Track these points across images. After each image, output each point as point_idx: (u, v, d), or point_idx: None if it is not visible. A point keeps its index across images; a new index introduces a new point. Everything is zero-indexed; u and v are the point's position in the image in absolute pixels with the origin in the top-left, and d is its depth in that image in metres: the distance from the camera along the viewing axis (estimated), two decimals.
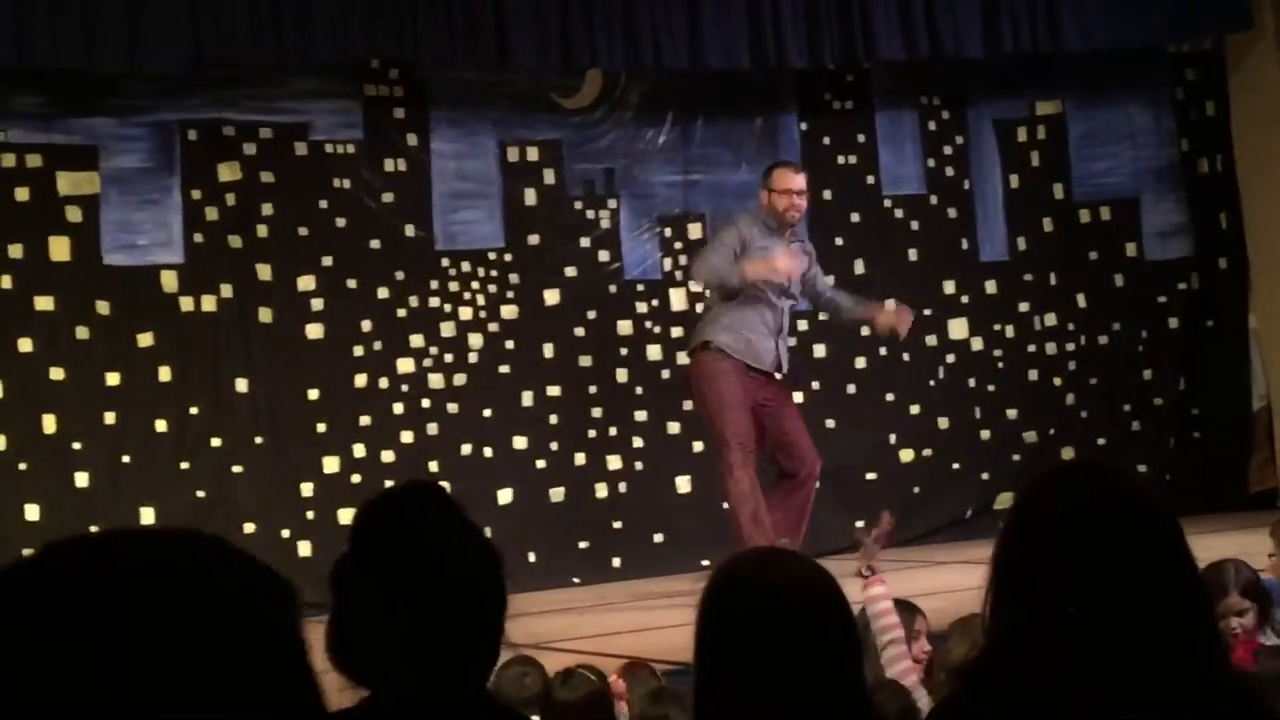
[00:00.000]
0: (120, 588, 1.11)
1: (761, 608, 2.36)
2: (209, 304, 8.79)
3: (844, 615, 2.42)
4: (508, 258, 9.34)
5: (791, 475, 8.19)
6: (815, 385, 9.83)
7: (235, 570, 1.15)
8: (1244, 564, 5.27)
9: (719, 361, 8.04)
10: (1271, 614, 5.24)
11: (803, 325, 9.84)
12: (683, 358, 9.43)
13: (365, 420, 8.98)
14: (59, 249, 8.56)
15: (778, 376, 8.22)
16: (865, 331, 9.92)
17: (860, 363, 9.94)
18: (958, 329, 10.17)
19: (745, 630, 2.35)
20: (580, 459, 9.18)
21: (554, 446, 9.29)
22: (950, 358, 10.14)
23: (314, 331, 8.94)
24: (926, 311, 10.05)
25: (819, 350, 9.88)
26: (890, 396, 9.97)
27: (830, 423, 9.82)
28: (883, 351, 9.99)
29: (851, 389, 9.91)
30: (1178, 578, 2.19)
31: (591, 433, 9.24)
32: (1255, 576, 5.23)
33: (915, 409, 10.03)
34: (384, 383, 9.04)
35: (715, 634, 2.39)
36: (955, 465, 9.85)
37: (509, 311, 9.31)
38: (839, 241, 9.97)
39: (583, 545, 9.17)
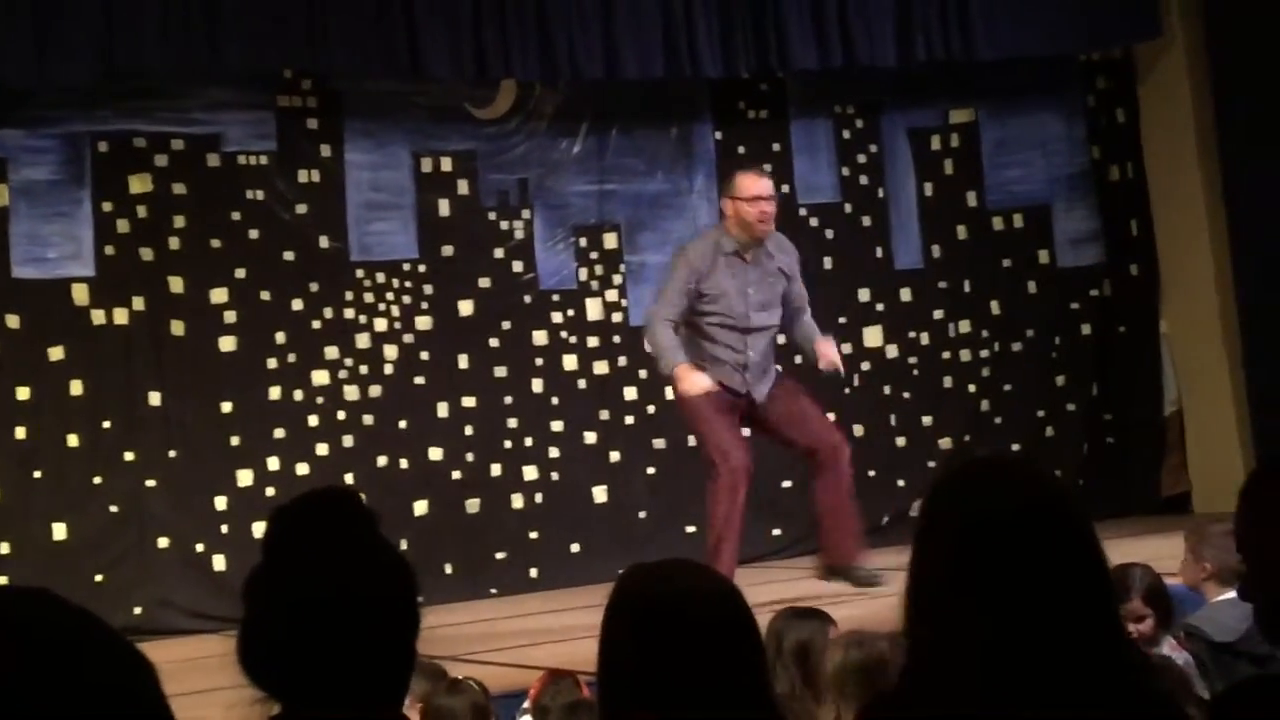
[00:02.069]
0: None
1: (661, 617, 2.37)
2: (121, 317, 8.71)
3: (745, 622, 2.43)
4: (422, 268, 9.30)
5: (812, 455, 7.87)
6: None
7: (91, 636, 1.11)
8: (1150, 570, 5.32)
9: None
10: (1171, 621, 5.29)
11: None
12: (600, 367, 9.45)
13: (279, 433, 8.93)
14: None
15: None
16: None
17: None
18: (872, 337, 10.22)
19: (646, 641, 2.36)
20: (496, 469, 9.16)
21: (470, 457, 9.26)
22: (865, 365, 10.18)
23: (227, 344, 8.88)
24: (841, 320, 10.11)
25: None
26: None
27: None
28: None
29: None
30: (1092, 575, 2.20)
31: (507, 443, 9.21)
32: (1159, 584, 5.28)
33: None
34: (298, 395, 8.98)
35: (616, 646, 2.40)
36: (871, 472, 9.87)
37: (424, 322, 9.28)
38: None
39: (499, 556, 9.15)
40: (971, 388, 10.41)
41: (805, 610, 5.20)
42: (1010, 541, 2.17)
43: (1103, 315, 10.65)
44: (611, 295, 9.67)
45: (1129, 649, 2.28)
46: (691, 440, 9.62)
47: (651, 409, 9.66)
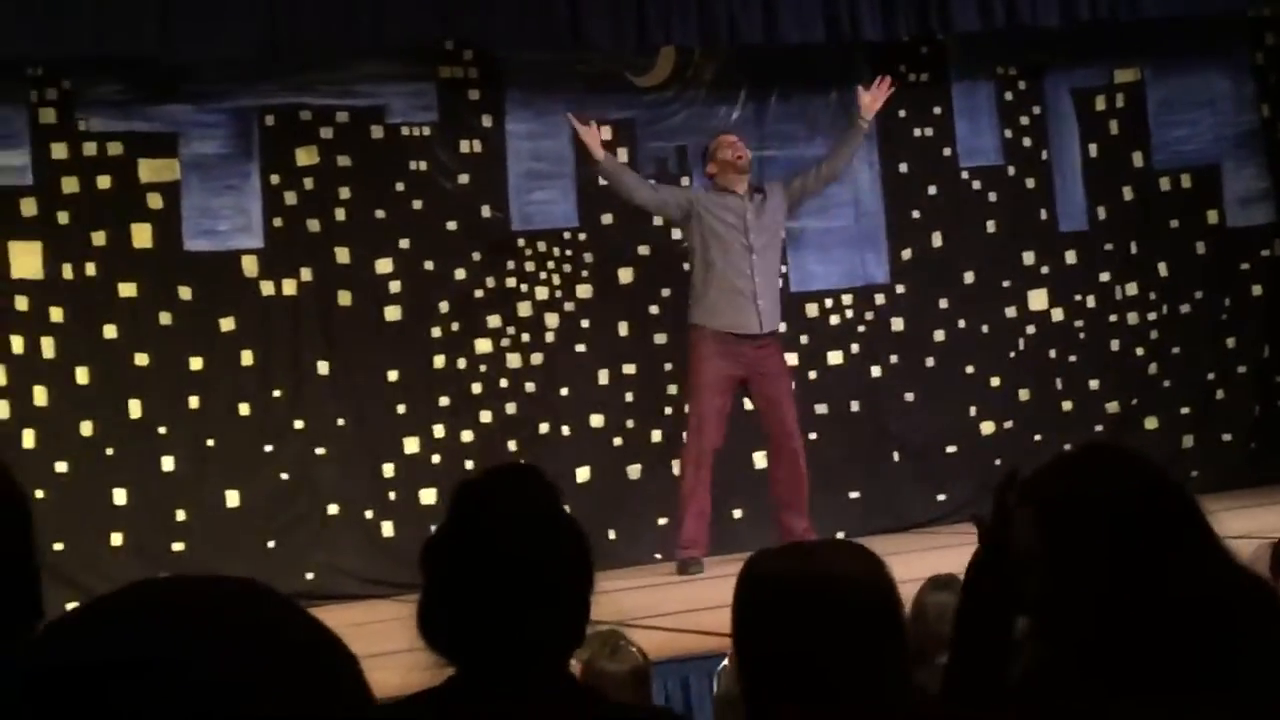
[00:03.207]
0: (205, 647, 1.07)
1: (798, 599, 2.37)
2: (289, 288, 8.85)
3: (881, 602, 2.41)
4: (582, 237, 9.35)
5: (773, 446, 8.61)
6: (893, 359, 9.81)
7: (305, 633, 1.13)
8: None
9: (701, 343, 8.49)
10: None
11: (879, 299, 9.82)
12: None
13: (444, 401, 9.03)
14: (141, 236, 8.64)
15: (779, 331, 8.69)
16: (943, 304, 9.91)
17: (939, 335, 9.90)
18: (1038, 300, 10.11)
19: (783, 625, 2.36)
20: (656, 436, 9.20)
21: (630, 424, 9.31)
22: (1030, 329, 10.08)
23: (392, 313, 8.99)
24: (1006, 283, 10.02)
25: (897, 324, 9.85)
26: (970, 369, 9.92)
27: (909, 396, 9.80)
28: (961, 324, 9.95)
29: (930, 362, 9.87)
30: (1208, 548, 2.19)
31: (668, 410, 9.24)
32: None
33: (995, 381, 9.98)
34: (462, 363, 9.08)
35: (750, 630, 2.41)
36: (1037, 437, 9.79)
37: (584, 291, 9.33)
38: (915, 215, 9.93)
39: (661, 522, 9.18)
40: (1139, 351, 10.26)
41: (946, 578, 5.23)
42: (1130, 523, 2.16)
43: (1273, 276, 10.44)
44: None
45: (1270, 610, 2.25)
46: (855, 406, 9.65)
47: (813, 374, 9.64)
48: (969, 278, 9.98)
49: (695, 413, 8.49)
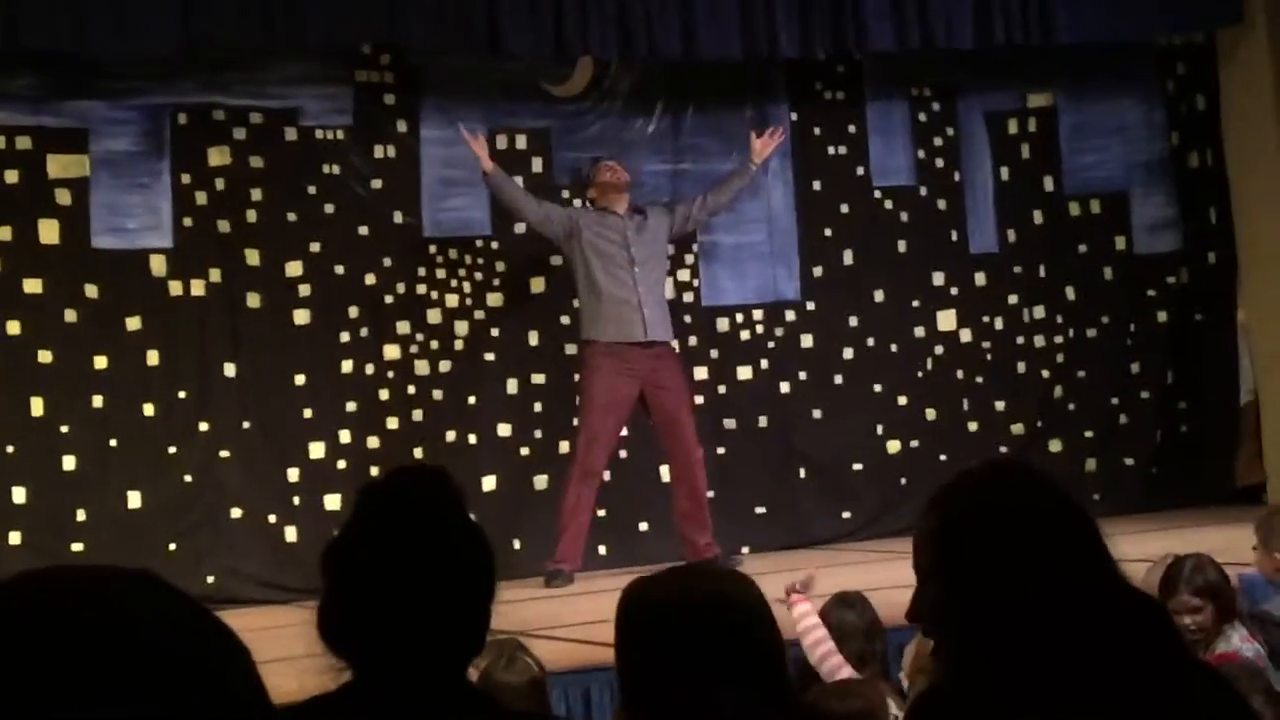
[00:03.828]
0: (73, 635, 1.05)
1: (671, 625, 2.40)
2: (197, 288, 8.78)
3: (752, 621, 2.45)
4: (495, 245, 9.34)
5: (673, 460, 8.64)
6: (802, 375, 9.85)
7: (192, 620, 1.11)
8: (1204, 562, 5.25)
9: (593, 358, 8.59)
10: (1234, 612, 5.22)
11: (790, 315, 9.85)
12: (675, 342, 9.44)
13: (351, 406, 8.99)
14: (48, 232, 8.55)
15: (671, 345, 8.78)
16: (853, 322, 9.96)
17: (848, 353, 9.95)
18: (946, 320, 10.18)
19: (658, 648, 2.39)
20: (564, 446, 9.18)
21: (538, 434, 9.29)
22: (939, 349, 10.14)
23: (301, 317, 8.94)
24: (915, 303, 10.08)
25: (806, 340, 9.88)
26: (878, 387, 9.97)
27: (817, 413, 9.84)
28: (870, 342, 10.00)
29: (839, 379, 9.91)
30: (1105, 569, 2.21)
31: (576, 420, 9.24)
32: (1215, 575, 5.20)
33: (903, 400, 10.04)
34: (370, 369, 9.04)
35: (633, 655, 2.43)
36: (942, 456, 9.84)
37: (495, 299, 9.32)
38: (828, 232, 9.97)
39: None
40: (1045, 373, 10.35)
41: (852, 596, 5.29)
42: (1028, 537, 2.18)
43: (1179, 303, 10.56)
44: (683, 275, 9.68)
45: (1166, 638, 2.27)
46: (763, 421, 9.68)
47: (722, 389, 9.66)
48: (879, 296, 10.03)
49: (586, 429, 8.51)
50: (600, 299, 8.56)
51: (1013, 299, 10.32)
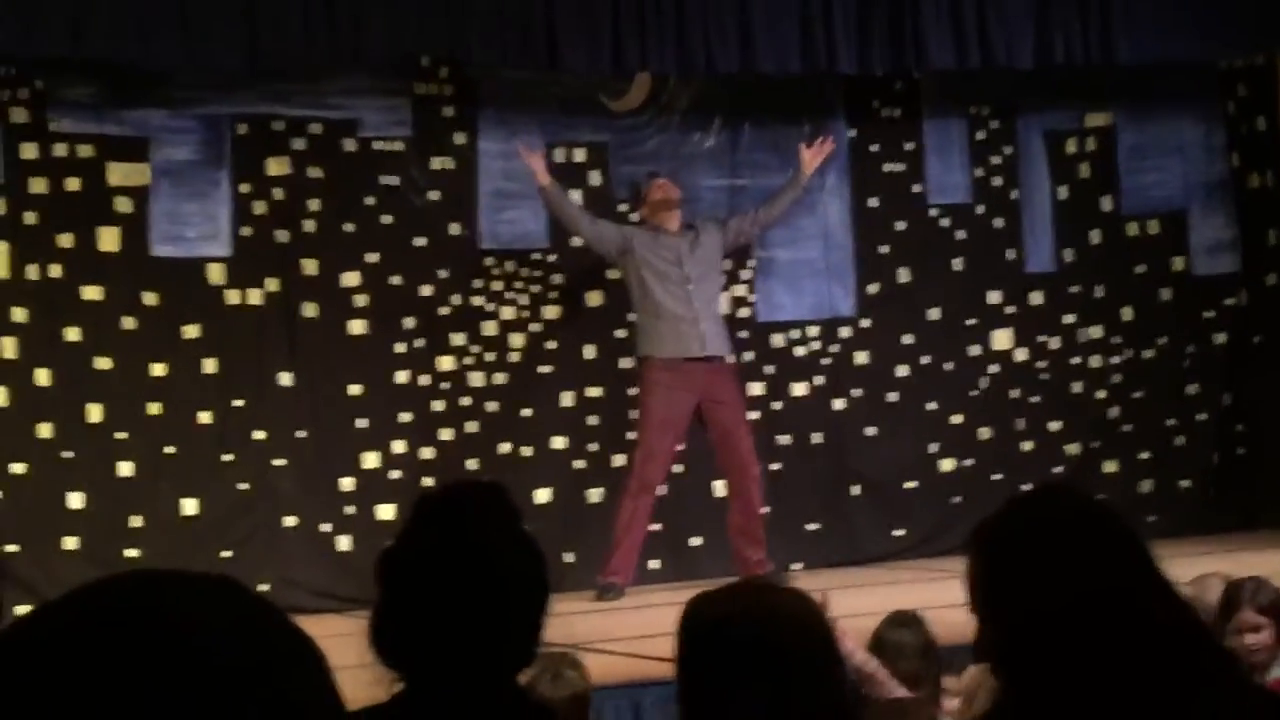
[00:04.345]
0: (160, 647, 1.06)
1: (732, 642, 2.41)
2: (255, 298, 8.82)
3: (812, 641, 2.45)
4: (551, 258, 9.35)
5: (729, 475, 8.64)
6: (856, 393, 9.82)
7: (272, 631, 1.11)
8: (1265, 582, 5.27)
9: (650, 373, 8.60)
10: None
11: (845, 332, 9.83)
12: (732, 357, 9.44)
13: (405, 417, 9.01)
14: (108, 239, 8.61)
15: (728, 360, 8.78)
16: (907, 340, 9.93)
17: (902, 370, 9.92)
18: (1002, 339, 10.14)
19: (721, 665, 2.40)
20: (619, 460, 9.18)
21: (593, 447, 9.30)
22: (993, 368, 10.10)
23: (357, 327, 8.98)
24: (970, 321, 10.04)
25: (860, 358, 9.86)
26: (932, 406, 9.94)
27: (870, 430, 9.81)
28: (925, 360, 9.97)
29: (893, 397, 9.89)
30: (1159, 594, 2.19)
31: (631, 434, 9.23)
32: (1276, 595, 5.22)
33: (957, 419, 10.00)
34: (425, 380, 9.06)
35: (694, 671, 2.44)
36: (996, 476, 9.81)
37: (551, 312, 9.33)
38: (884, 249, 9.95)
39: None
40: (1101, 394, 10.29)
41: (907, 615, 5.26)
42: (1077, 571, 2.17)
43: (1237, 324, 10.49)
44: (740, 290, 9.67)
45: (1219, 659, 2.26)
46: (817, 438, 9.66)
47: (777, 405, 9.65)
48: (934, 314, 10.00)
49: (644, 445, 8.53)
50: (657, 315, 8.57)
51: (1069, 319, 10.27)
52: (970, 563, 2.28)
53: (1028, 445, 10.09)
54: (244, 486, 8.72)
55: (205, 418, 8.67)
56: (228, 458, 8.70)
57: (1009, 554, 2.23)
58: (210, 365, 8.70)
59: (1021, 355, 10.17)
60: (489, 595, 2.38)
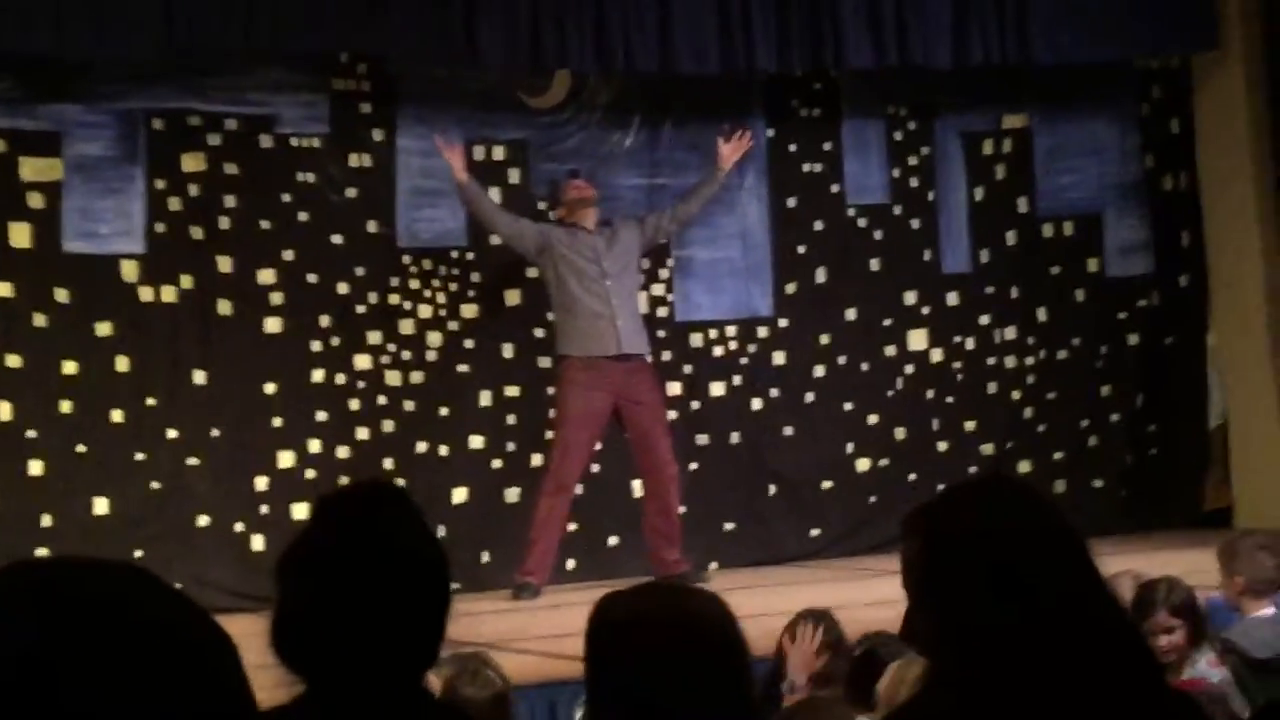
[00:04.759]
0: (70, 621, 1.05)
1: (641, 639, 2.41)
2: (169, 295, 8.74)
3: (721, 639, 2.46)
4: (470, 256, 9.32)
5: (646, 475, 8.64)
6: (773, 393, 9.84)
7: (182, 613, 1.11)
8: (1178, 583, 5.30)
9: (568, 372, 8.61)
10: (1204, 634, 5.26)
11: (762, 332, 9.85)
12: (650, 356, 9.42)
13: (321, 416, 8.96)
14: (19, 235, 8.51)
15: (646, 359, 8.77)
16: (824, 340, 9.96)
17: (819, 371, 9.95)
18: (917, 340, 10.19)
19: (627, 666, 2.40)
20: (537, 460, 9.16)
21: (511, 447, 9.27)
22: (909, 368, 10.15)
23: (272, 325, 8.91)
24: (886, 322, 10.08)
25: (778, 358, 9.88)
26: (848, 406, 9.97)
27: (788, 430, 9.83)
28: (841, 361, 10.00)
29: (809, 397, 9.91)
30: (1091, 588, 2.21)
31: (549, 434, 9.22)
32: (1188, 597, 5.25)
33: (873, 419, 10.04)
34: (341, 379, 9.01)
35: (601, 671, 2.44)
36: (911, 476, 9.86)
37: (469, 311, 9.30)
38: (801, 249, 9.97)
39: None
40: (1015, 394, 10.36)
41: (818, 613, 5.27)
42: (1014, 559, 2.18)
43: (1150, 326, 10.59)
44: (658, 289, 9.67)
45: (1142, 657, 2.28)
46: (735, 438, 9.68)
47: (695, 405, 9.66)
48: (851, 314, 10.04)
49: (560, 443, 8.52)
50: (574, 314, 8.56)
51: (984, 319, 10.34)
52: (908, 544, 2.29)
53: (943, 445, 10.15)
54: (157, 485, 8.64)
55: (118, 416, 8.59)
56: (140, 457, 8.62)
57: (948, 537, 2.24)
58: (123, 363, 8.62)
59: (937, 355, 10.22)
60: (389, 594, 2.36)
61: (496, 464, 9.26)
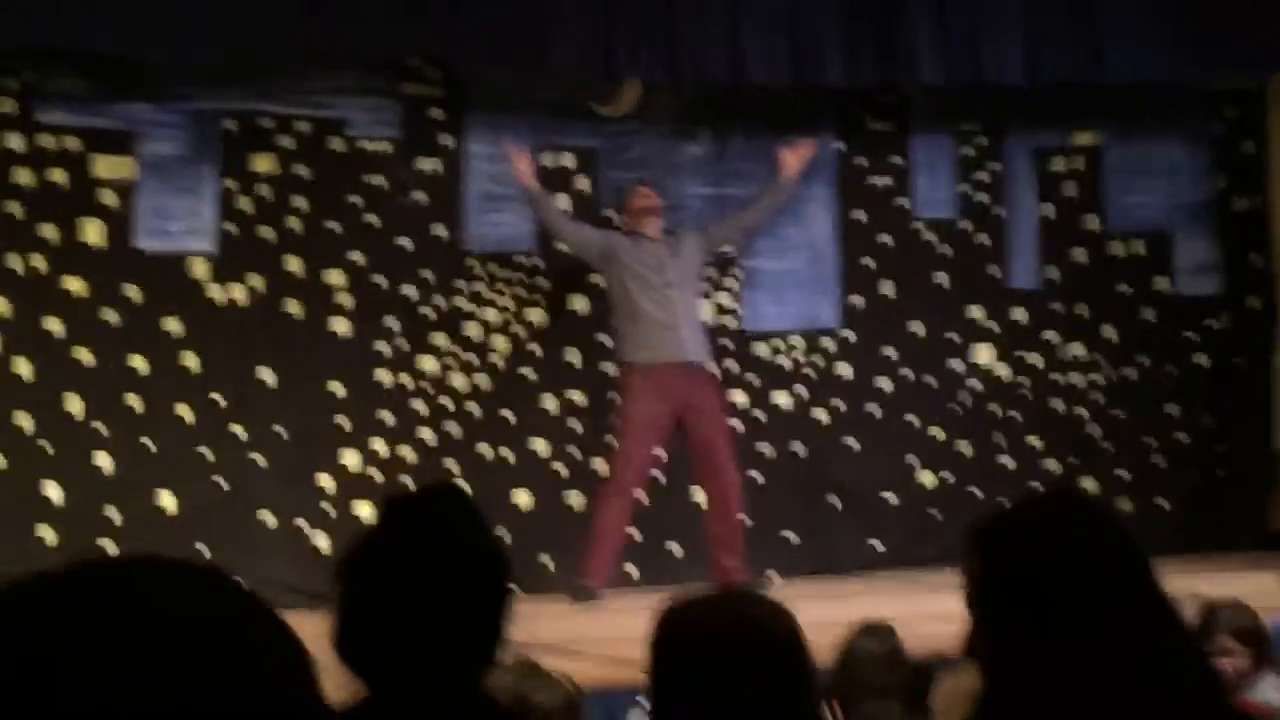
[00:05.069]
0: (145, 623, 1.06)
1: (705, 647, 2.40)
2: (238, 294, 8.81)
3: (790, 649, 2.45)
4: (536, 262, 9.35)
5: (707, 483, 8.64)
6: (837, 404, 9.83)
7: (264, 620, 1.12)
8: (1242, 606, 5.24)
9: (631, 378, 8.59)
10: (1267, 658, 5.21)
11: (828, 344, 9.84)
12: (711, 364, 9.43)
13: (386, 417, 9.00)
14: (92, 232, 8.59)
15: (707, 367, 8.75)
16: (889, 353, 9.93)
17: (884, 384, 9.92)
18: (984, 355, 10.15)
19: (691, 674, 2.39)
20: (599, 465, 9.17)
21: (574, 452, 9.29)
22: (975, 383, 10.11)
23: (340, 326, 8.97)
24: (952, 336, 10.05)
25: (844, 370, 9.87)
26: (912, 419, 9.95)
27: (851, 442, 9.81)
28: (906, 374, 9.97)
29: (874, 409, 9.89)
30: (1156, 607, 2.19)
31: (611, 440, 9.23)
32: (1252, 621, 5.20)
33: (937, 433, 10.01)
34: (406, 381, 9.05)
35: (664, 679, 2.43)
36: (975, 491, 9.82)
37: (535, 316, 9.33)
38: (868, 262, 9.96)
39: None
40: (1081, 412, 10.31)
41: (877, 625, 5.24)
42: (1079, 577, 2.17)
43: (1218, 347, 10.51)
44: (725, 299, 9.68)
45: (1205, 675, 2.26)
46: (798, 448, 9.66)
47: (759, 415, 9.65)
48: (917, 329, 10.01)
49: (623, 449, 8.54)
50: (637, 321, 8.58)
51: (1052, 337, 10.29)
52: (970, 559, 2.27)
53: (1007, 461, 10.10)
54: (222, 482, 8.70)
55: (185, 413, 8.66)
56: (207, 453, 8.68)
57: (1012, 553, 2.23)
58: (191, 360, 8.69)
59: (1003, 371, 10.18)
60: (451, 597, 2.37)
61: (559, 468, 9.28)
